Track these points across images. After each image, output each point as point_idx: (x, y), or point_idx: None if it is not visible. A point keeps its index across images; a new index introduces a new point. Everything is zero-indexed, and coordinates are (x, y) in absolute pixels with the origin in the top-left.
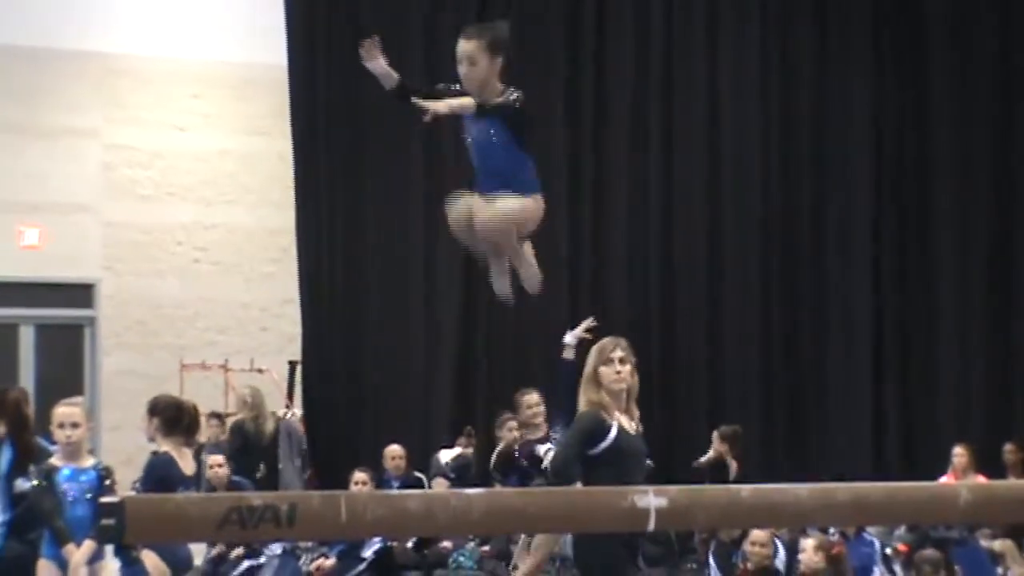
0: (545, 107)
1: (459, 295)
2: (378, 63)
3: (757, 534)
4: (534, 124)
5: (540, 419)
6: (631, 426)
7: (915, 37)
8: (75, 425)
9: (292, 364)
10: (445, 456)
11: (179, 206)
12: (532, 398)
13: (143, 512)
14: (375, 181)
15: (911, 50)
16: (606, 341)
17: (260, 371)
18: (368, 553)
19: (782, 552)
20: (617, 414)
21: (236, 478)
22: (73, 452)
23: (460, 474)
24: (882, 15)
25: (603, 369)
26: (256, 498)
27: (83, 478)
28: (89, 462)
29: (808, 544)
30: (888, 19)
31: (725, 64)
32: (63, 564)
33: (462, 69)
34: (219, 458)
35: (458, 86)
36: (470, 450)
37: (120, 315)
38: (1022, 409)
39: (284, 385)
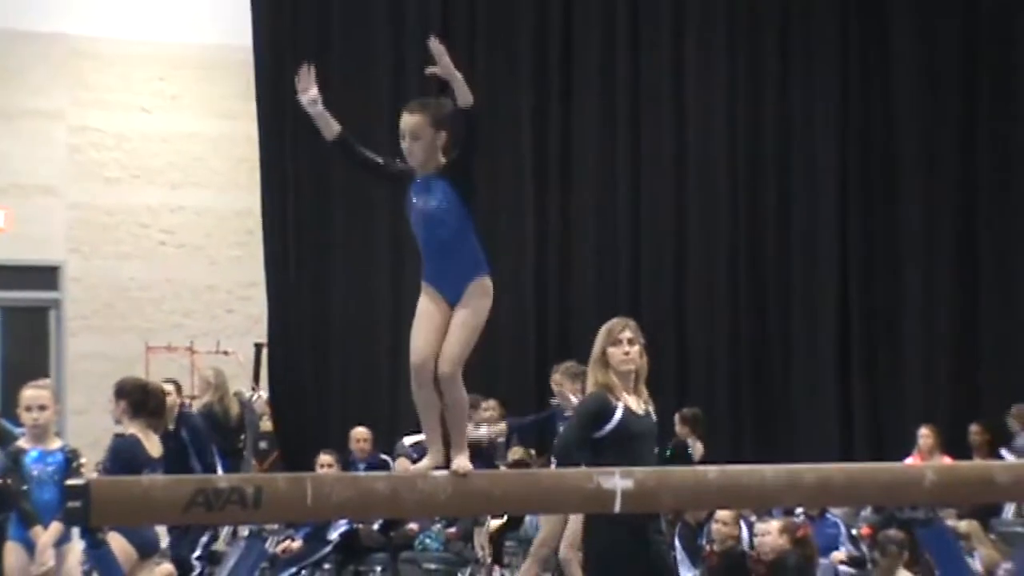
0: (514, 110)
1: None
2: (312, 98)
3: (722, 513)
4: (476, 192)
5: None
6: (640, 407)
7: (880, 34)
8: (42, 408)
9: (258, 346)
10: (409, 440)
11: (145, 189)
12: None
13: (108, 495)
14: (341, 163)
15: (876, 48)
16: (615, 322)
17: (226, 353)
18: (334, 535)
19: (745, 533)
20: (624, 395)
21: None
22: (40, 434)
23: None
24: (847, 15)
25: (611, 350)
26: (222, 480)
27: (50, 460)
28: (56, 444)
29: (772, 526)
30: (853, 17)
31: (691, 63)
32: (31, 546)
33: (405, 144)
34: None
35: (398, 160)
36: None
37: (86, 298)
38: (988, 390)
39: (250, 368)
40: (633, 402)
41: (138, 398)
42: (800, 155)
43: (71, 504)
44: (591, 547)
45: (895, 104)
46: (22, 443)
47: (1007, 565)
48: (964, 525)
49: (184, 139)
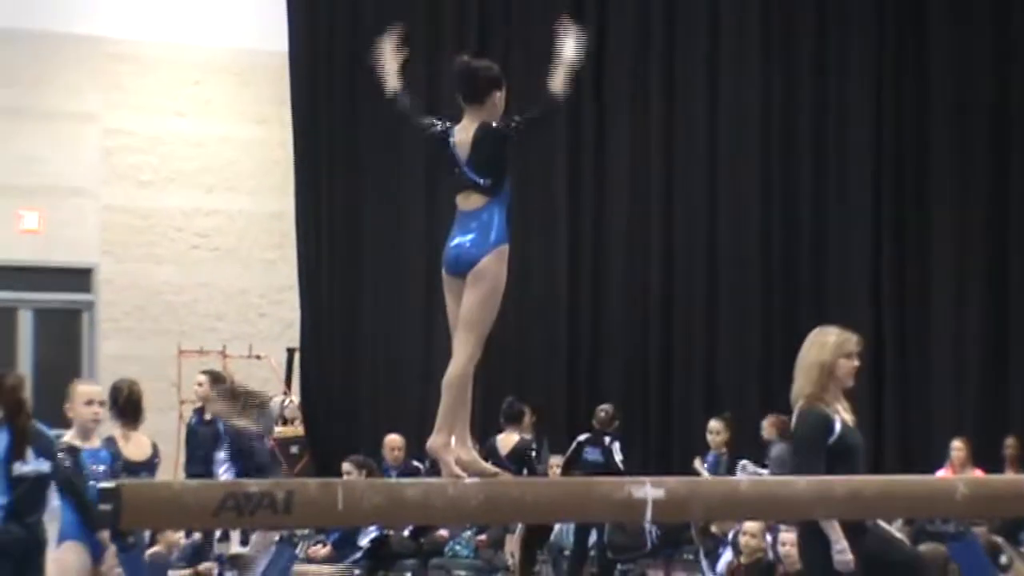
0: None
1: None
2: (387, 60)
3: (749, 525)
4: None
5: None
6: (850, 419)
7: (917, 32)
8: (102, 403)
9: (290, 351)
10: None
11: (178, 192)
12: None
13: (140, 499)
14: (374, 169)
15: (912, 45)
16: (848, 334)
17: (258, 358)
18: (364, 541)
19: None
20: (837, 407)
21: None
22: (92, 431)
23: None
24: (884, 28)
25: (843, 362)
26: (253, 485)
27: (101, 457)
28: (98, 442)
29: (793, 536)
30: (888, 31)
31: (725, 61)
32: (95, 547)
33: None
34: None
35: (446, 123)
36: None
37: (118, 300)
38: (1019, 403)
39: (282, 372)
40: (847, 416)
41: (110, 397)
42: (834, 172)
43: (102, 507)
44: (811, 555)
45: (930, 104)
46: (73, 440)
47: None
48: (995, 539)
49: (218, 142)
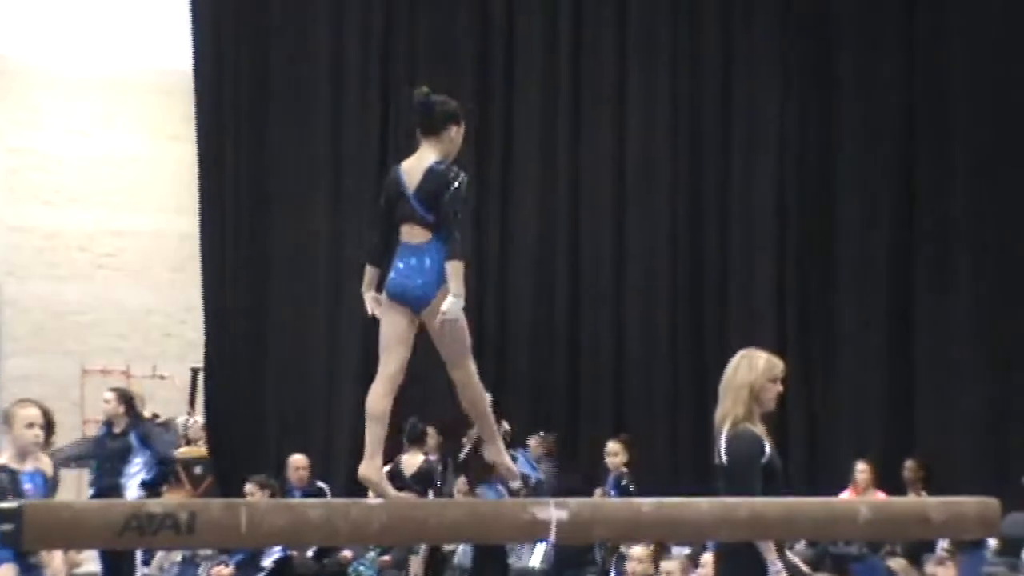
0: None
1: (363, 305)
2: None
3: (636, 550)
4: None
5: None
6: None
7: (823, 52)
8: (42, 426)
9: (194, 371)
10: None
11: (83, 211)
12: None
13: (42, 518)
14: (280, 188)
15: (819, 67)
16: (775, 359)
17: (162, 377)
18: (268, 562)
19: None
20: (762, 429)
21: None
22: (30, 454)
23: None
24: (790, 30)
25: (770, 385)
26: (156, 506)
27: (38, 480)
28: (31, 465)
29: (668, 565)
30: (796, 34)
31: (634, 86)
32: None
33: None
34: None
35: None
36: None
37: (21, 320)
38: (924, 425)
39: (187, 392)
40: (768, 440)
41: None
42: (740, 180)
43: (3, 527)
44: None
45: (836, 122)
46: (10, 463)
47: None
48: (896, 562)
49: (123, 162)
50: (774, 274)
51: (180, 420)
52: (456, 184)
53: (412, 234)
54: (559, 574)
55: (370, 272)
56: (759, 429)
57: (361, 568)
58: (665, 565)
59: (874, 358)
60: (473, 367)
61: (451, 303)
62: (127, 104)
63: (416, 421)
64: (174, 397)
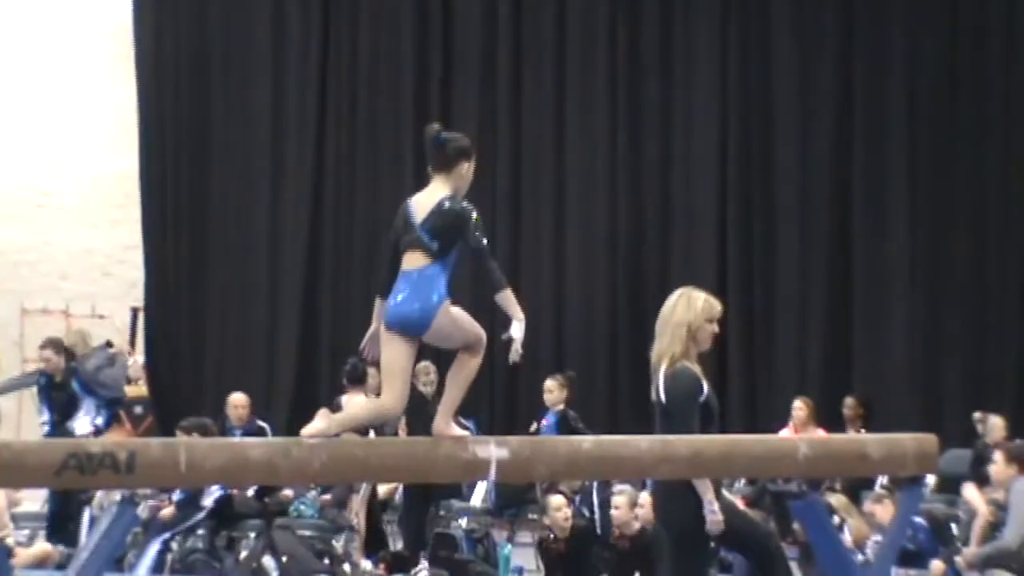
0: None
1: (304, 242)
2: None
3: (556, 499)
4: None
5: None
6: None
7: (761, 29)
8: None
9: (134, 310)
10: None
11: (22, 152)
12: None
13: None
14: (221, 128)
15: (756, 55)
16: (713, 300)
17: (102, 317)
18: (208, 501)
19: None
20: (698, 368)
21: None
22: None
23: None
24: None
25: (707, 325)
26: (95, 445)
27: None
28: None
29: (620, 500)
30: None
31: (573, 63)
32: None
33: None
34: None
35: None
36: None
37: None
38: (860, 363)
39: (127, 332)
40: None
41: None
42: (681, 152)
43: None
44: (673, 516)
45: (774, 86)
46: None
47: (876, 538)
48: (834, 500)
49: (63, 102)
50: (714, 214)
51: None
52: (473, 217)
53: (412, 260)
54: (500, 513)
55: (379, 306)
56: (696, 368)
57: (302, 507)
58: (553, 500)
59: (813, 297)
60: (480, 353)
61: (516, 327)
62: (67, 44)
63: (357, 361)
64: (114, 337)
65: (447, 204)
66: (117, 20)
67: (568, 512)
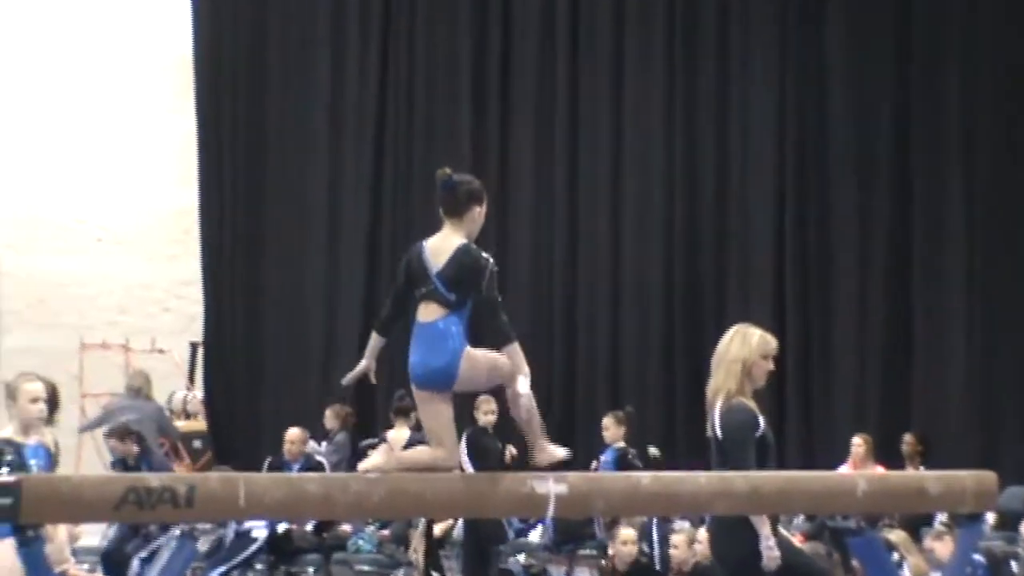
0: (455, 132)
1: (362, 279)
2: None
3: (625, 532)
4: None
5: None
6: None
7: (816, 46)
8: (46, 400)
9: (193, 345)
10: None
11: (83, 184)
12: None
13: (40, 492)
14: (278, 162)
15: (813, 59)
16: (769, 336)
17: (161, 351)
18: (255, 533)
19: (657, 548)
20: (754, 404)
21: None
22: (34, 428)
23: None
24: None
25: (761, 362)
26: (154, 479)
27: (41, 453)
28: (35, 439)
29: (679, 539)
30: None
31: (631, 64)
32: None
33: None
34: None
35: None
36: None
37: (21, 293)
38: (919, 400)
39: (185, 367)
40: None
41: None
42: (736, 167)
43: (1, 501)
44: (729, 551)
45: (831, 112)
46: (14, 436)
47: (936, 575)
48: (894, 536)
49: (123, 135)
50: (772, 249)
51: (179, 395)
52: (489, 268)
53: (428, 312)
54: (558, 548)
55: (375, 341)
56: (752, 404)
57: (360, 542)
58: (622, 533)
59: (871, 333)
60: (519, 370)
61: (522, 382)
62: (127, 78)
63: (404, 393)
64: (173, 371)
65: (463, 254)
66: (177, 54)
67: (634, 548)
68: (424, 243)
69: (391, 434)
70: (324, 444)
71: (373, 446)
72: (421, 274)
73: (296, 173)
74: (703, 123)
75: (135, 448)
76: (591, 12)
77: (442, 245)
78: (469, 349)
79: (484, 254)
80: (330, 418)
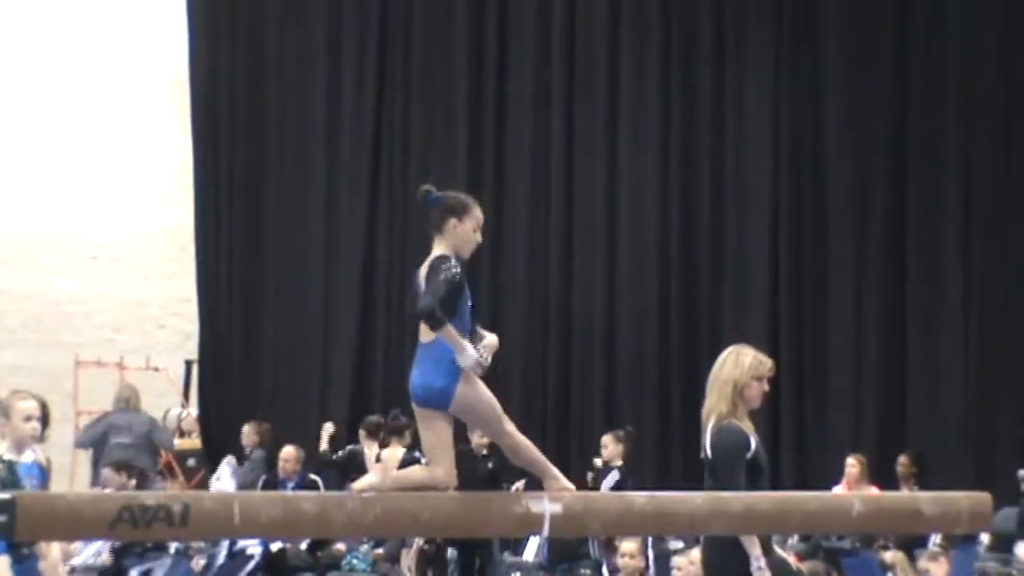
0: (450, 145)
1: (357, 296)
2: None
3: (627, 545)
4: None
5: None
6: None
7: (813, 70)
8: (39, 419)
9: (188, 363)
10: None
11: (78, 202)
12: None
13: (34, 510)
14: (274, 180)
15: (809, 78)
16: (763, 357)
17: (156, 369)
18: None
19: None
20: (747, 425)
21: None
22: (27, 446)
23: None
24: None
25: (755, 383)
26: (149, 498)
27: (35, 471)
28: (30, 457)
29: (682, 562)
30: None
31: (627, 81)
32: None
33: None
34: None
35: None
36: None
37: (15, 311)
38: (914, 420)
39: (180, 384)
40: (754, 436)
41: None
42: (732, 188)
43: None
44: (720, 572)
45: (826, 137)
46: (8, 454)
47: None
48: (890, 556)
49: (118, 153)
50: (767, 269)
51: (174, 413)
52: (444, 270)
53: (425, 332)
54: (552, 568)
55: None
56: (745, 424)
57: (355, 561)
58: (625, 546)
59: (866, 354)
60: (512, 428)
61: (460, 359)
62: (122, 97)
63: (398, 412)
64: (168, 389)
65: (435, 262)
66: (173, 73)
67: (635, 562)
68: (423, 265)
69: (385, 453)
70: (232, 460)
71: (340, 460)
72: (414, 295)
73: (292, 190)
74: (699, 143)
75: (132, 483)
76: (587, 27)
77: (426, 264)
78: (469, 374)
79: (453, 264)
80: (248, 434)
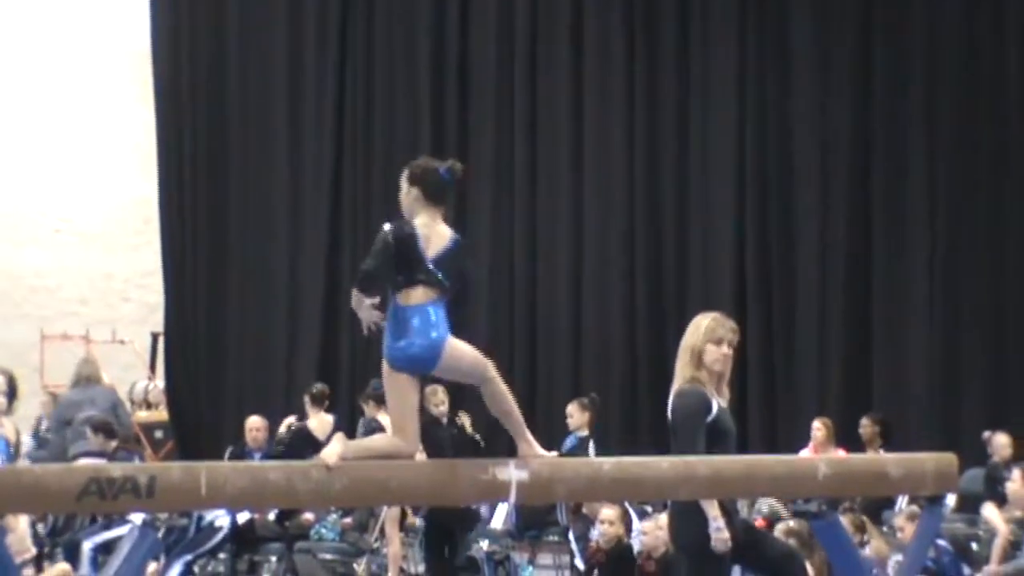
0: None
1: (323, 266)
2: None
3: (607, 512)
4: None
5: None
6: (724, 403)
7: (780, 51)
8: (5, 392)
9: (154, 336)
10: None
11: (42, 176)
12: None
13: (1, 483)
14: (239, 152)
15: (773, 64)
16: (723, 320)
17: (122, 342)
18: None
19: (636, 525)
20: (712, 389)
21: None
22: None
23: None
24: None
25: (711, 347)
26: (116, 469)
27: (1, 444)
28: None
29: (648, 526)
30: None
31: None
32: None
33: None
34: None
35: None
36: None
37: None
38: (880, 384)
39: (147, 357)
40: (722, 399)
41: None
42: (697, 170)
43: None
44: (683, 536)
45: (792, 104)
46: None
47: (897, 557)
48: (852, 517)
49: (83, 127)
50: (734, 235)
51: (140, 385)
52: (382, 231)
53: (413, 296)
54: (521, 535)
55: None
56: (708, 389)
57: (323, 530)
58: (605, 512)
59: (832, 319)
60: (496, 375)
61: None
62: (86, 71)
63: (378, 382)
64: (134, 361)
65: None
66: (136, 47)
67: (614, 528)
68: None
69: (313, 423)
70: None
71: (285, 440)
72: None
73: (257, 162)
74: (664, 112)
75: (112, 444)
76: (549, 14)
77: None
78: (452, 338)
79: (387, 227)
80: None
